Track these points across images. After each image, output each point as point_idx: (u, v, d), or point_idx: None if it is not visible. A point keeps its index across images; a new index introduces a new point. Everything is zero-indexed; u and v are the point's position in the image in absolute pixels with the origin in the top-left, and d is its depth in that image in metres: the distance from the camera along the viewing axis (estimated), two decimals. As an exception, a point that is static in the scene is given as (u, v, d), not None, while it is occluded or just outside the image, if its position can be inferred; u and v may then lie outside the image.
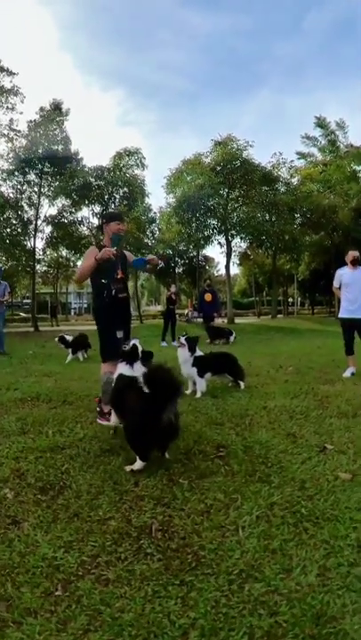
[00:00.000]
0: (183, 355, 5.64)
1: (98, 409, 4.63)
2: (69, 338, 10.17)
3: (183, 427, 4.11)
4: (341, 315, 7.31)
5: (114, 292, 4.49)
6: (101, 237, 4.76)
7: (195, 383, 5.70)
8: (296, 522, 2.42)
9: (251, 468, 3.16)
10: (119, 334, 4.57)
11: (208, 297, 15.18)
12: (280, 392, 5.71)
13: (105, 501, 2.74)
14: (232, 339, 14.83)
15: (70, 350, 9.93)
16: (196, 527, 2.40)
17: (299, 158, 35.48)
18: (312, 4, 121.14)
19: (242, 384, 6.07)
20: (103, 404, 4.55)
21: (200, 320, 16.89)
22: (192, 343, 5.64)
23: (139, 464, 3.16)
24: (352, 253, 7.29)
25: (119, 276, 4.57)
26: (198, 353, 5.69)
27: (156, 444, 3.25)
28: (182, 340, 5.70)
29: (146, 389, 3.23)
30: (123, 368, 3.77)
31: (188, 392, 5.68)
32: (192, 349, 5.62)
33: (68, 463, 3.39)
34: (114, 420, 3.89)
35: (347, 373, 7.13)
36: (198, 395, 5.59)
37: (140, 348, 3.84)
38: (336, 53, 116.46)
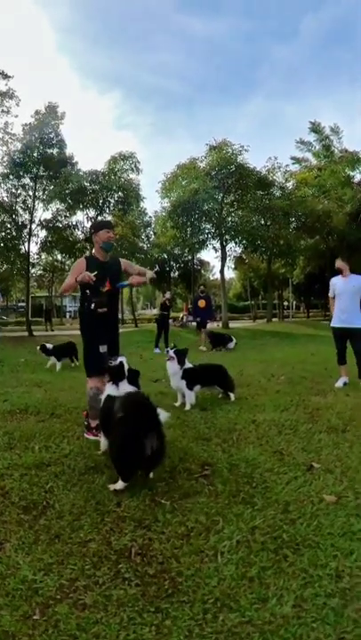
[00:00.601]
0: (172, 367, 5.63)
1: (85, 423, 4.62)
2: (50, 346, 10.08)
3: (170, 442, 4.09)
4: (333, 324, 7.26)
5: (93, 306, 4.43)
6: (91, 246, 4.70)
7: (184, 395, 5.69)
8: (276, 548, 2.40)
9: (235, 489, 3.14)
10: (102, 349, 4.52)
11: (202, 303, 15.10)
12: (270, 404, 5.68)
13: (86, 522, 2.73)
14: (232, 345, 14.79)
15: (54, 358, 9.87)
16: (176, 551, 2.39)
17: (293, 163, 35.61)
18: (308, 9, 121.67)
19: (232, 396, 6.05)
20: (90, 419, 4.54)
21: (194, 324, 16.76)
22: (181, 356, 5.63)
23: (120, 484, 3.15)
24: (337, 262, 7.30)
25: (106, 289, 4.49)
26: (187, 365, 5.67)
27: (139, 466, 3.24)
28: (171, 353, 5.69)
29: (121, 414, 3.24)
30: (110, 388, 3.76)
31: (177, 404, 5.68)
32: (181, 362, 5.60)
33: (53, 481, 3.37)
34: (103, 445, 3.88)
35: (339, 383, 7.12)
36: (188, 407, 5.58)
37: (126, 367, 3.82)
38: (332, 58, 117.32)
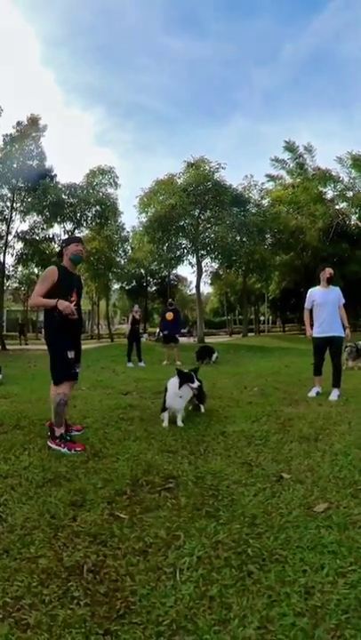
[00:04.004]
0: (174, 389, 5.24)
1: (49, 433, 4.44)
2: None
3: (134, 455, 3.98)
4: (315, 334, 7.16)
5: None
6: (55, 264, 4.71)
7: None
8: (240, 564, 2.22)
9: (199, 502, 2.97)
10: (70, 354, 4.50)
11: (170, 315, 14.51)
12: (241, 416, 5.53)
13: (38, 537, 2.54)
14: (214, 357, 14.66)
15: None
16: (131, 569, 2.21)
17: (268, 181, 36.13)
18: (288, 37, 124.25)
19: (202, 407, 5.88)
20: (56, 427, 4.38)
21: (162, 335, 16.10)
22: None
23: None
24: (329, 270, 7.23)
25: (72, 300, 4.48)
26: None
27: None
28: (195, 386, 5.27)
29: None
30: None
31: (165, 425, 5.19)
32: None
33: (8, 494, 3.18)
34: None
35: (312, 393, 7.09)
36: (180, 423, 5.17)
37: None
38: (308, 84, 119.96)
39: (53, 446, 4.27)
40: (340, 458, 3.84)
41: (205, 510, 2.85)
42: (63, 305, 4.23)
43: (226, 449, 4.18)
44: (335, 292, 7.10)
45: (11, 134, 25.99)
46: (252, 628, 1.77)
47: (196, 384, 5.26)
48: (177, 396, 5.19)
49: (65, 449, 4.21)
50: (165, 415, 5.22)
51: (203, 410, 5.85)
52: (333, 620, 1.81)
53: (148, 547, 2.42)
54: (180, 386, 5.18)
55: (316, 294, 7.20)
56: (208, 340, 29.32)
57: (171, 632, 1.77)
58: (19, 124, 26.29)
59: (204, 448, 4.22)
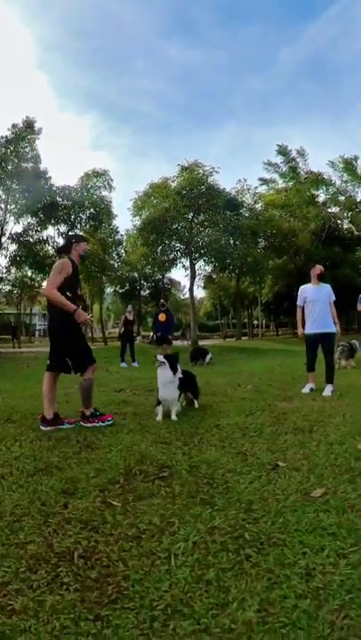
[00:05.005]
0: (165, 375, 5.11)
1: (85, 414, 4.82)
2: None
3: (127, 446, 3.90)
4: (307, 331, 7.15)
5: (80, 307, 4.67)
6: (66, 256, 4.95)
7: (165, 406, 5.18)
8: (238, 548, 2.14)
9: (194, 490, 2.88)
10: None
11: (162, 317, 14.46)
12: (235, 410, 5.46)
13: (28, 524, 2.45)
14: (208, 358, 14.60)
15: None
16: (124, 554, 2.12)
17: (261, 184, 36.32)
18: (284, 44, 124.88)
19: (196, 402, 5.81)
20: (84, 409, 4.83)
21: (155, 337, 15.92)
22: (173, 361, 5.18)
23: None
24: (319, 267, 7.28)
25: (80, 292, 4.90)
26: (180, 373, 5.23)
27: None
28: (161, 358, 5.18)
29: None
30: None
31: (158, 418, 5.06)
32: (174, 368, 5.14)
33: (-2, 482, 3.08)
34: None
35: (306, 389, 7.05)
36: (174, 417, 5.06)
37: None
38: (303, 91, 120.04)
39: (88, 425, 4.72)
40: (335, 447, 3.79)
41: (200, 497, 2.76)
42: (81, 318, 4.61)
43: (220, 440, 4.11)
44: (326, 289, 7.15)
45: (6, 136, 25.94)
46: (252, 611, 1.69)
47: (161, 358, 5.22)
48: (165, 382, 5.14)
49: (99, 423, 4.73)
50: (159, 409, 5.13)
51: (196, 405, 5.78)
52: (337, 600, 1.73)
53: (141, 533, 2.33)
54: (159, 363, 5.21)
55: (307, 291, 7.21)
56: (201, 343, 29.24)
57: (166, 616, 1.68)
58: (14, 126, 26.25)
59: (199, 439, 4.14)
